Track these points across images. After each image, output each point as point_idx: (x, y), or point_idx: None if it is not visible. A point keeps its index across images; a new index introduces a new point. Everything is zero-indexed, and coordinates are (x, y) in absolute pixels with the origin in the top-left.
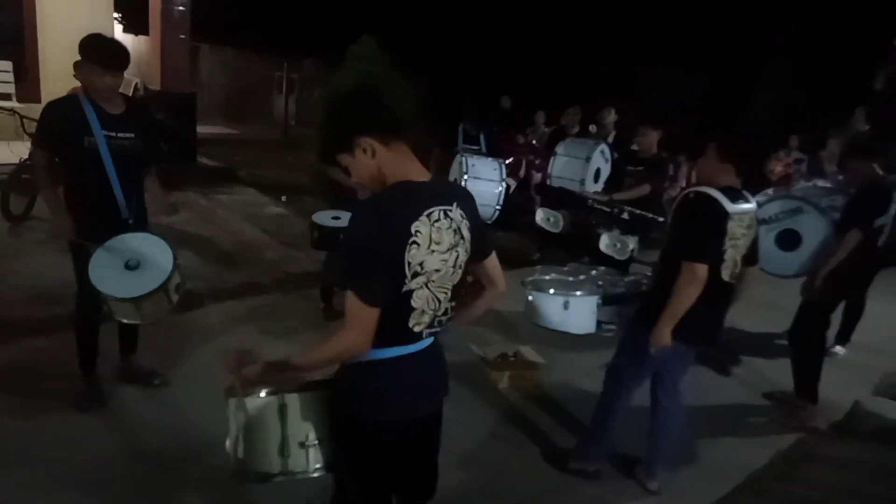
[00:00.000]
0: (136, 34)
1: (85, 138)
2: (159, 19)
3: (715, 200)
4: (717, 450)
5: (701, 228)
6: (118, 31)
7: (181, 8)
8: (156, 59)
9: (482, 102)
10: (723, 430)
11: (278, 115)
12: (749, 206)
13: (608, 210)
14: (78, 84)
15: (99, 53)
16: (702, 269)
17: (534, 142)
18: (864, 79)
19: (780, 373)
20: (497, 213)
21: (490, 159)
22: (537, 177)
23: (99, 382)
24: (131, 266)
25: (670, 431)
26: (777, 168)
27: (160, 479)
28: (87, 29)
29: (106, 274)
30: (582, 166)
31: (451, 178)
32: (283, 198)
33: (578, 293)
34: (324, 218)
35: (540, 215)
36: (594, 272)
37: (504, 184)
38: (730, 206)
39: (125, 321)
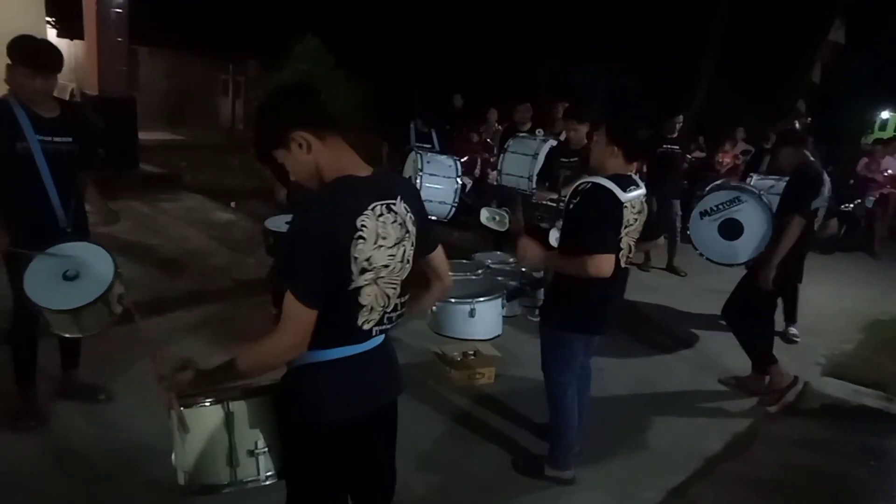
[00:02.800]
0: (71, 38)
1: (17, 143)
2: (94, 22)
3: (609, 191)
4: (671, 435)
5: (600, 219)
6: (52, 35)
7: (118, 10)
8: (92, 63)
9: (433, 100)
10: (676, 415)
11: (224, 119)
12: (639, 191)
13: (553, 204)
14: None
15: (27, 55)
16: (608, 261)
17: (488, 140)
18: (798, 72)
19: (730, 356)
20: (453, 210)
21: (444, 156)
22: (493, 175)
23: (36, 399)
24: (69, 276)
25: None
26: (725, 160)
27: (104, 497)
28: (17, 33)
29: (42, 285)
30: (530, 163)
31: (406, 175)
32: (232, 203)
33: (483, 299)
34: (277, 223)
35: (484, 215)
36: (489, 261)
37: (459, 181)
38: (622, 195)
39: (64, 335)
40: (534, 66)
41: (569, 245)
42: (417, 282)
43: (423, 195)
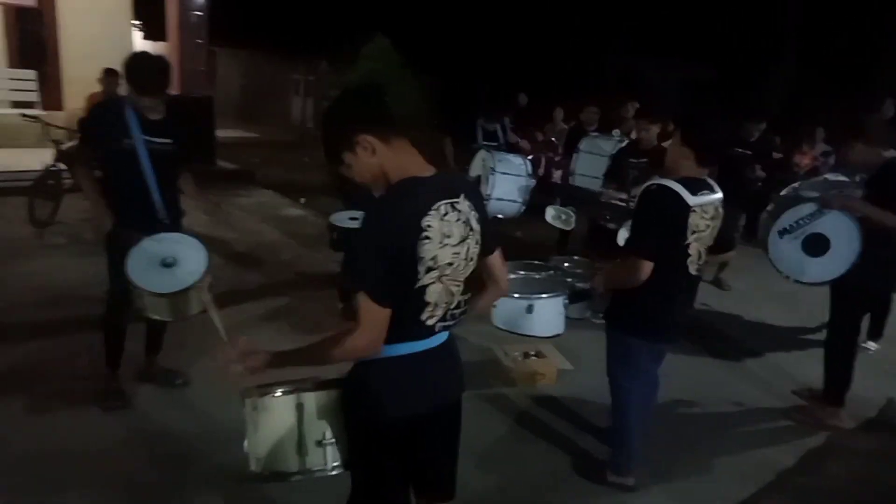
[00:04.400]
0: (155, 40)
1: (124, 140)
2: (177, 25)
3: (675, 193)
4: (739, 446)
5: (655, 223)
6: (137, 38)
7: (198, 13)
8: (174, 64)
9: (497, 99)
10: (746, 426)
11: (295, 117)
12: (713, 196)
13: (622, 204)
14: (97, 90)
15: (136, 78)
16: (646, 266)
17: (553, 139)
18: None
19: (805, 367)
20: (523, 208)
21: (513, 155)
22: (557, 174)
23: (121, 381)
24: (168, 263)
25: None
26: (804, 161)
27: (179, 477)
28: (106, 37)
29: (143, 270)
30: (604, 163)
31: (473, 174)
32: (302, 199)
33: (544, 295)
34: (341, 219)
35: (550, 213)
36: (567, 264)
37: (531, 179)
38: (690, 198)
39: (157, 318)
40: (601, 62)
41: (629, 246)
42: (482, 282)
43: (496, 193)
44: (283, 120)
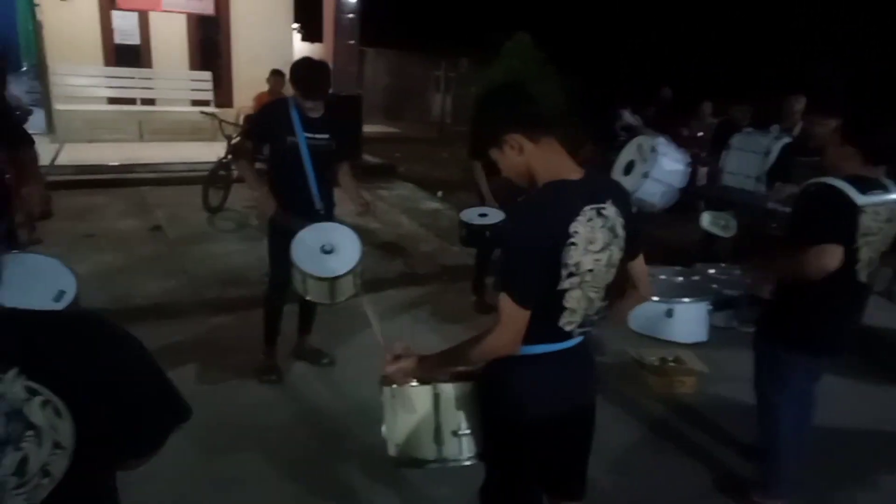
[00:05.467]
0: (312, 41)
1: (288, 138)
2: (332, 27)
3: (839, 191)
4: None
5: (824, 216)
6: (297, 40)
7: (350, 16)
8: (328, 63)
9: (639, 94)
10: None
11: (435, 114)
12: (888, 196)
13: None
14: (263, 90)
15: (301, 82)
16: (831, 253)
17: (699, 134)
18: None
19: None
20: (676, 197)
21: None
22: (703, 172)
23: (276, 358)
24: (327, 250)
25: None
26: None
27: (323, 449)
28: (272, 40)
29: (305, 255)
30: (759, 161)
31: (624, 161)
32: (440, 193)
33: (685, 300)
34: (471, 215)
35: (706, 219)
36: (712, 271)
37: (689, 168)
38: (859, 198)
39: (315, 301)
40: (756, 53)
41: (789, 248)
42: (621, 286)
43: (655, 173)
44: (423, 116)
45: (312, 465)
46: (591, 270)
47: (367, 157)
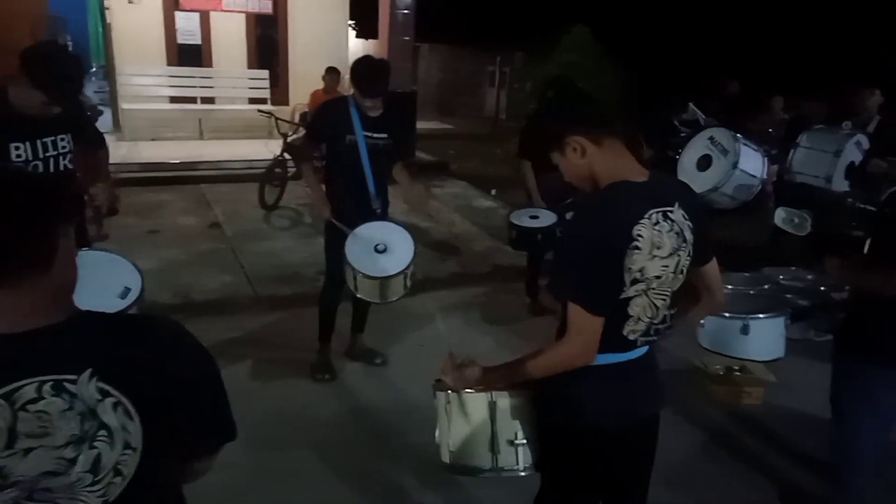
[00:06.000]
0: (367, 38)
1: (347, 136)
2: (387, 23)
3: None
4: None
5: None
6: (351, 37)
7: (405, 12)
8: (388, 62)
9: (703, 88)
10: None
11: (489, 109)
12: None
13: (872, 209)
14: (319, 87)
15: (361, 81)
16: None
17: (769, 130)
18: None
19: None
20: (758, 188)
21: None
22: (772, 169)
23: (330, 355)
24: (380, 250)
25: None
26: None
27: (374, 447)
28: (328, 38)
29: (359, 254)
30: (829, 161)
31: (695, 157)
32: (493, 191)
33: (761, 315)
34: (521, 217)
35: (781, 215)
36: (782, 277)
37: (766, 160)
38: None
39: (366, 299)
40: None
41: (882, 258)
42: (688, 294)
43: (742, 164)
44: (477, 112)
45: (363, 462)
46: (657, 277)
47: (421, 155)
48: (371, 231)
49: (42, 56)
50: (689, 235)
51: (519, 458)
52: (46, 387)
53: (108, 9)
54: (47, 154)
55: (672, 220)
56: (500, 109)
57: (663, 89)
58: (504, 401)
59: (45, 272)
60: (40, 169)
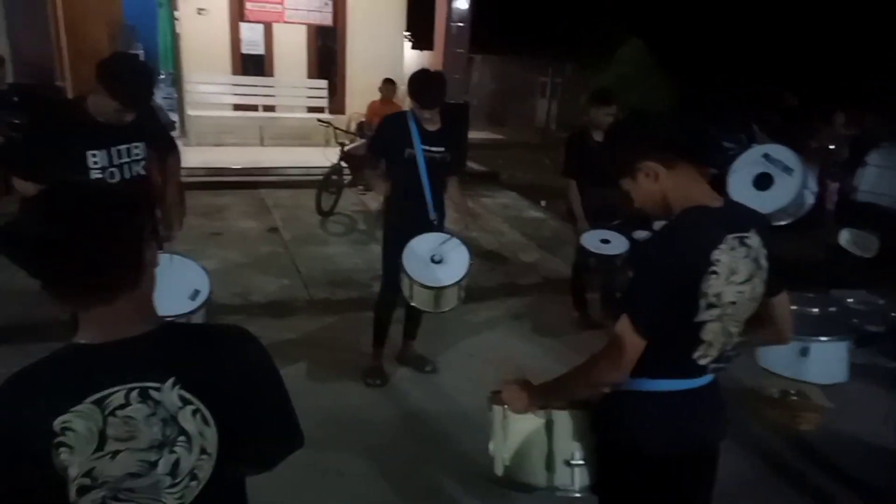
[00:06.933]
0: (422, 50)
1: (406, 150)
2: (443, 35)
3: None
4: None
5: None
6: (407, 48)
7: (460, 24)
8: (444, 74)
9: (759, 100)
10: None
11: (540, 119)
12: None
13: None
14: (375, 98)
15: (420, 94)
16: None
17: (831, 146)
18: None
19: None
20: (812, 200)
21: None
22: (833, 187)
23: (382, 360)
24: (436, 260)
25: None
26: None
27: (422, 453)
28: (384, 49)
29: (416, 264)
30: None
31: (749, 175)
32: (543, 202)
33: (823, 338)
34: (593, 242)
35: (845, 237)
36: (850, 300)
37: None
38: None
39: (420, 308)
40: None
41: None
42: (760, 322)
43: (810, 183)
44: (527, 122)
45: (411, 467)
46: (733, 303)
47: (471, 165)
48: (428, 242)
49: (117, 67)
50: (764, 262)
51: (575, 478)
52: (133, 394)
53: (177, 19)
54: (122, 161)
55: (748, 246)
56: (551, 119)
57: (717, 104)
58: (562, 420)
59: (135, 288)
60: (115, 176)
